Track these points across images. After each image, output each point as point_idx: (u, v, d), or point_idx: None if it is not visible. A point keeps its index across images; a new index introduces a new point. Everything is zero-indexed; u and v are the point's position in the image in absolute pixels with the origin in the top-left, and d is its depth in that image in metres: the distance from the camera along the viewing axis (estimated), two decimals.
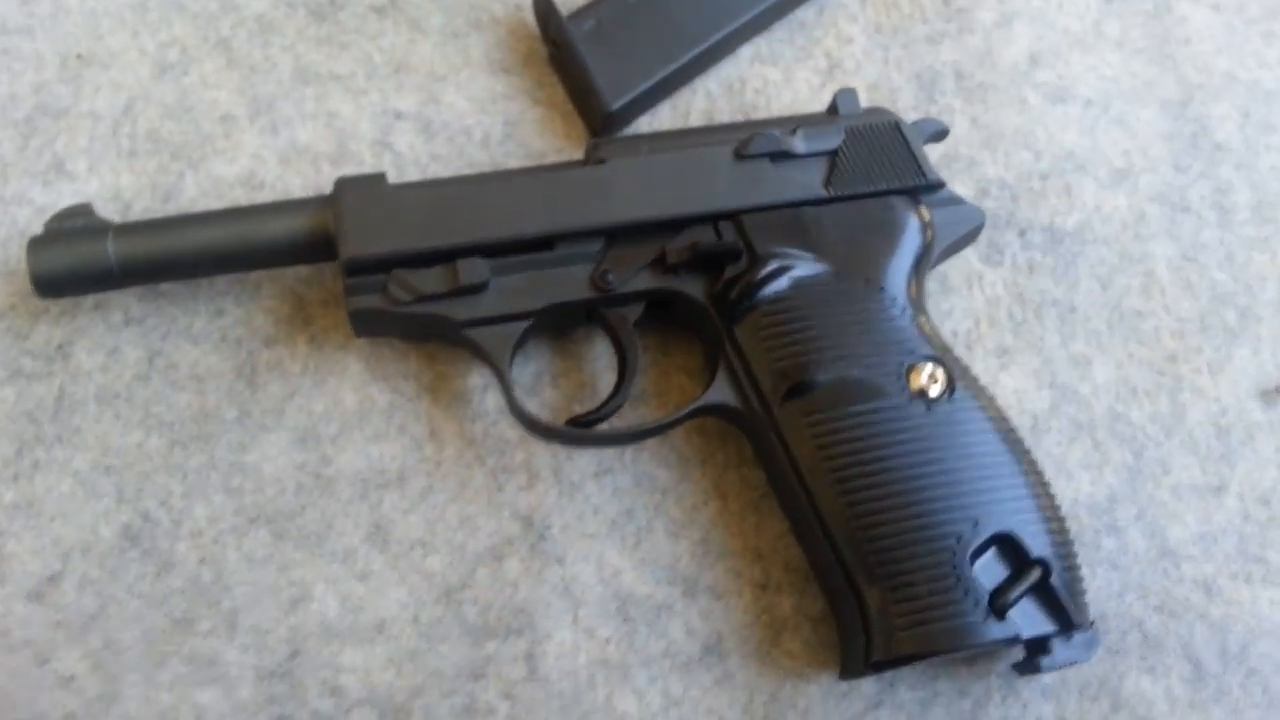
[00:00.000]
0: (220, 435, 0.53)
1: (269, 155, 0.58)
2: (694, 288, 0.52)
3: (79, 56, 0.60)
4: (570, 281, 0.52)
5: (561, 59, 0.60)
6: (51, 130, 0.58)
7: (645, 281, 0.52)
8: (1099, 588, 0.53)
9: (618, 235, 0.52)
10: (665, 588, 0.52)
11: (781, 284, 0.51)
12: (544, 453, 0.54)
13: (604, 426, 0.52)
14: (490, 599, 0.51)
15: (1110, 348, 0.58)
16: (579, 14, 0.59)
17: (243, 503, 0.52)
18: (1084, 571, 0.51)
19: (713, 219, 0.52)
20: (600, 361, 0.56)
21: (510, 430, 0.54)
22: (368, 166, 0.59)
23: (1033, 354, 0.58)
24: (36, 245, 0.51)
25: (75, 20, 0.60)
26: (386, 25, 0.62)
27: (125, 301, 0.55)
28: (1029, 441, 0.54)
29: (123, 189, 0.57)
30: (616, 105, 0.58)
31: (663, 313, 0.54)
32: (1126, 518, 0.55)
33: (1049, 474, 0.53)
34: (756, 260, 0.51)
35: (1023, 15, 0.65)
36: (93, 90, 0.59)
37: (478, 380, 0.55)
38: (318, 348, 0.55)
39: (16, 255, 0.55)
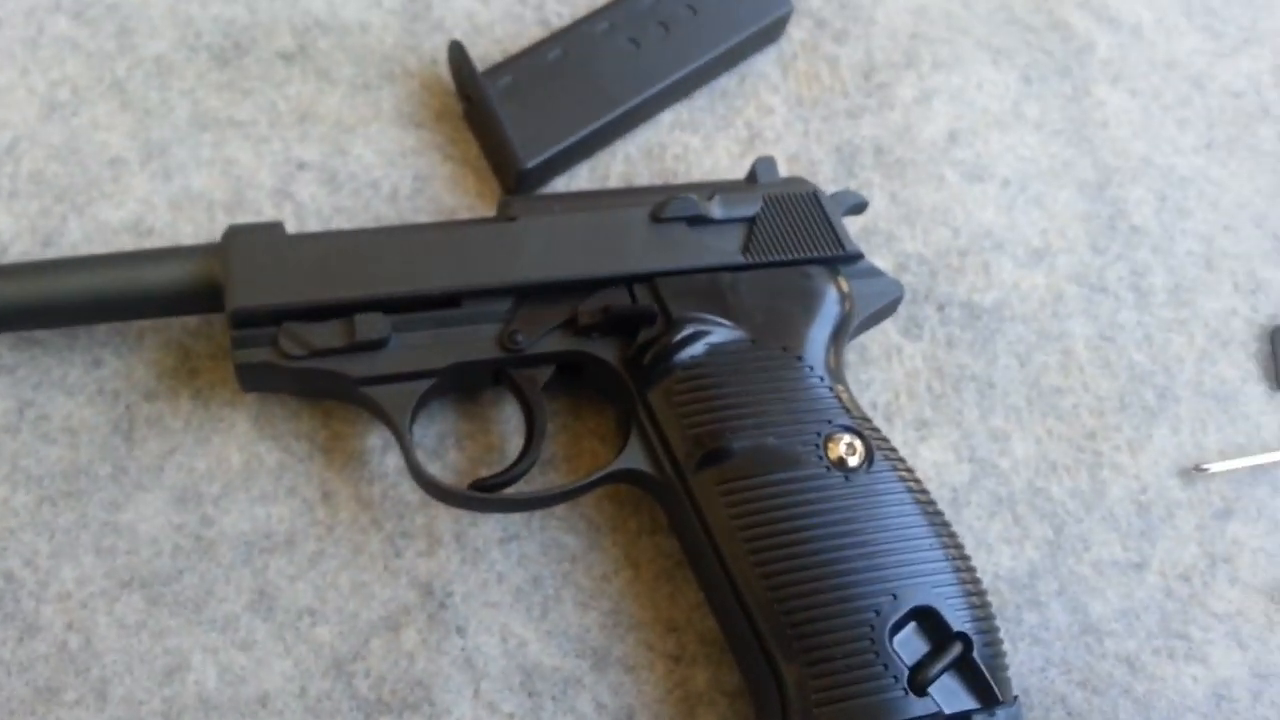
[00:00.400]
0: (93, 493, 0.60)
1: (159, 201, 0.68)
2: (606, 351, 0.62)
3: None
4: (477, 341, 0.61)
5: (476, 115, 0.72)
6: None
7: (556, 343, 0.62)
8: (1021, 662, 0.64)
9: (528, 294, 0.62)
10: (574, 660, 0.60)
11: (697, 349, 0.61)
12: (446, 517, 0.63)
13: (510, 491, 0.60)
14: (384, 671, 0.59)
15: (1029, 423, 0.71)
16: (495, 70, 0.71)
17: (115, 564, 0.59)
18: (1006, 646, 0.62)
19: (627, 281, 0.63)
20: (509, 425, 0.66)
21: (411, 493, 0.63)
22: (266, 216, 0.69)
23: (952, 427, 0.70)
24: None
25: None
26: (294, 73, 0.73)
27: None
28: (949, 514, 0.66)
29: (0, 231, 0.66)
30: (531, 164, 0.69)
31: (574, 376, 0.64)
32: (1048, 592, 0.66)
33: (969, 547, 0.64)
34: (672, 324, 0.61)
35: (942, 93, 0.80)
36: None
37: (376, 440, 0.64)
38: (203, 403, 0.63)
39: None
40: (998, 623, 0.59)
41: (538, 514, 0.64)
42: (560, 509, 0.64)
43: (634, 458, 0.61)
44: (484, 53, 0.75)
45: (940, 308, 0.73)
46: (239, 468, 0.62)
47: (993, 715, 0.56)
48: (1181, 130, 0.82)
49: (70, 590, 0.59)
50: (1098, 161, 0.80)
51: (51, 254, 0.66)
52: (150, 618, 0.58)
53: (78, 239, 0.66)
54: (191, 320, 0.65)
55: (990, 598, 0.60)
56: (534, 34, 0.76)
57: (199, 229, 0.68)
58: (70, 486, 0.61)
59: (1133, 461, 0.70)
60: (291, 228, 0.68)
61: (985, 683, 0.56)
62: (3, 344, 0.63)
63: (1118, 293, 0.75)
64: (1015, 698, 0.57)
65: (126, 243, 0.67)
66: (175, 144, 0.70)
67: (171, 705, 0.57)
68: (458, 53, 0.71)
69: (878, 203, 0.75)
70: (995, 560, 0.66)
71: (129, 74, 0.71)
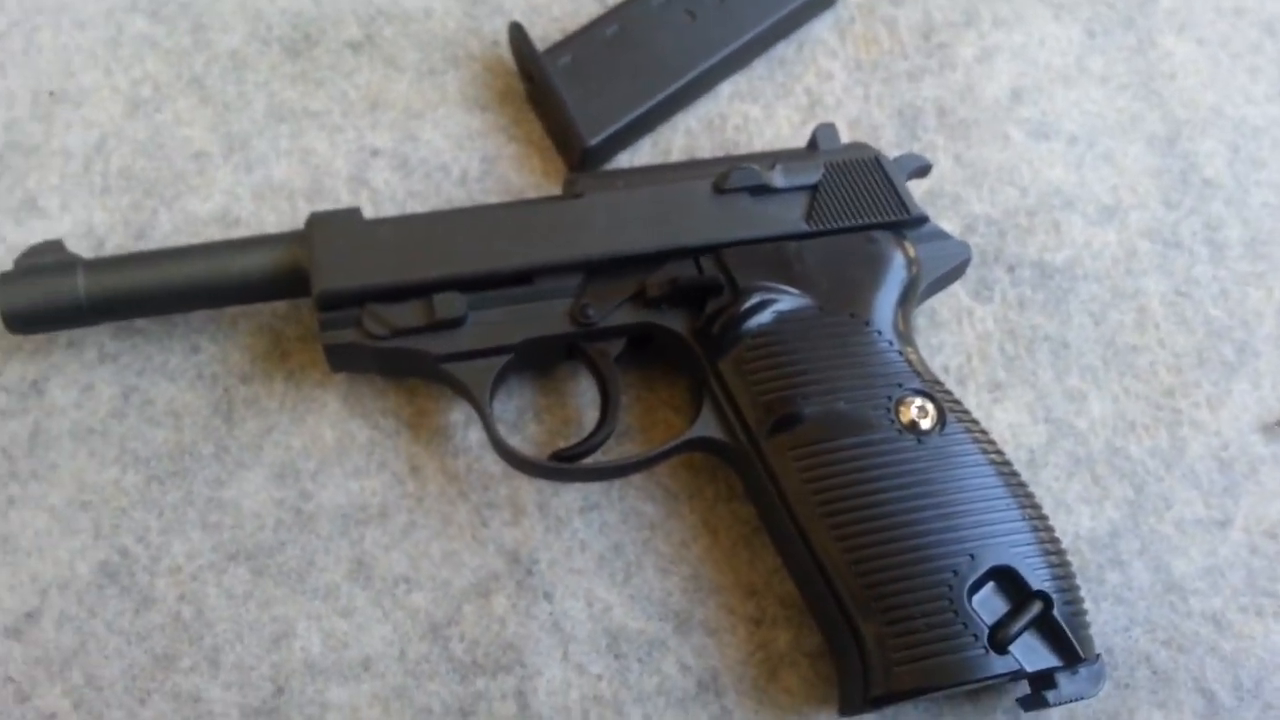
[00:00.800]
0: (197, 471, 0.65)
1: (243, 192, 0.72)
2: (676, 322, 0.64)
3: (51, 94, 0.73)
4: (549, 316, 0.64)
5: (539, 95, 0.74)
6: (23, 168, 0.71)
7: (626, 316, 0.64)
8: (1104, 622, 0.65)
9: (597, 269, 0.64)
10: (657, 623, 0.63)
11: (765, 317, 0.63)
12: (529, 488, 0.66)
13: (589, 461, 0.63)
14: (478, 635, 0.62)
15: (1105, 383, 0.72)
16: (555, 49, 0.74)
17: (221, 539, 0.63)
18: (1088, 606, 0.62)
19: (693, 253, 0.65)
20: (584, 398, 0.68)
21: (494, 465, 0.66)
22: (343, 203, 0.72)
23: (1026, 389, 0.71)
24: (5, 281, 0.62)
25: (48, 57, 0.74)
26: (362, 62, 0.76)
27: (99, 338, 0.67)
28: (1026, 476, 0.66)
29: (95, 226, 0.70)
30: (594, 141, 0.72)
31: (645, 348, 0.66)
32: (1130, 552, 0.67)
33: (1048, 508, 0.65)
34: (739, 294, 0.63)
35: (1004, 51, 0.81)
36: (64, 127, 0.72)
37: (459, 416, 0.67)
38: (295, 384, 0.67)
39: None
40: (1078, 582, 0.60)
41: (616, 483, 0.66)
42: (638, 478, 0.67)
43: (707, 426, 0.63)
44: (543, 33, 0.78)
45: (1010, 269, 0.74)
46: (332, 444, 0.66)
47: (1075, 673, 0.58)
48: (1253, 79, 0.81)
49: (181, 564, 0.63)
50: (1167, 114, 0.80)
51: (144, 246, 0.70)
52: (256, 588, 0.63)
53: (168, 231, 0.70)
54: (281, 306, 0.69)
55: (1071, 558, 0.61)
56: (591, 11, 0.78)
57: (281, 217, 0.71)
58: (176, 466, 0.65)
59: (1213, 418, 0.71)
60: (368, 213, 0.71)
61: (1067, 641, 0.57)
62: (105, 333, 0.68)
63: (1192, 248, 0.76)
64: (1098, 655, 0.59)
65: (215, 233, 0.71)
66: (254, 136, 0.73)
67: (279, 670, 0.61)
68: (518, 34, 0.73)
69: (942, 165, 0.76)
70: (1075, 521, 0.68)
71: (206, 69, 0.75)
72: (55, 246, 0.64)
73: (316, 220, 0.64)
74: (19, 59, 0.74)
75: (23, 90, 0.73)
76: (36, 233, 0.70)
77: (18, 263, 0.63)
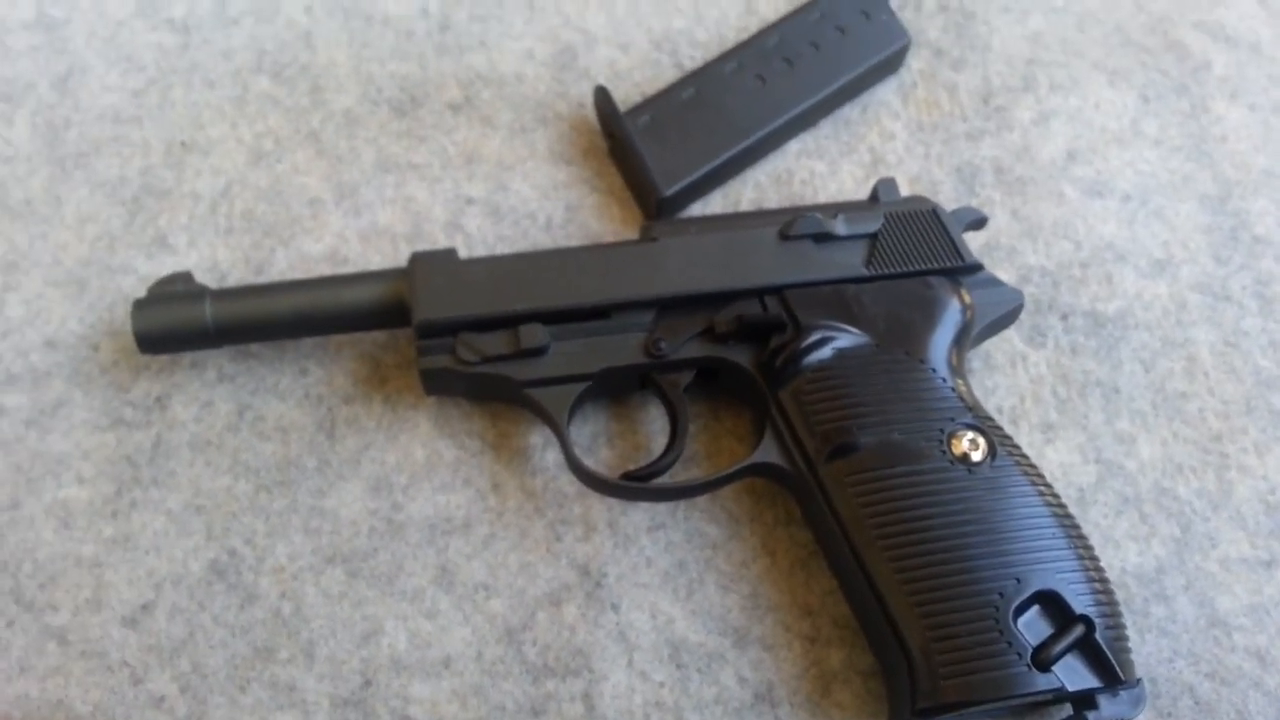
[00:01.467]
0: (301, 482, 0.71)
1: (351, 235, 0.79)
2: (741, 356, 0.69)
3: (183, 144, 0.82)
4: (625, 348, 0.69)
5: (619, 151, 0.81)
6: (156, 209, 0.80)
7: (695, 349, 0.69)
8: (1149, 653, 0.67)
9: (669, 306, 0.70)
10: (716, 637, 0.67)
11: (825, 353, 0.67)
12: (600, 507, 0.71)
13: (657, 482, 0.68)
14: (549, 640, 0.67)
15: (1155, 427, 0.75)
16: (635, 110, 0.80)
17: (320, 543, 0.69)
18: (1133, 637, 0.65)
19: (759, 293, 0.70)
20: (654, 425, 0.73)
21: (569, 485, 0.71)
22: (440, 245, 0.79)
23: (1077, 430, 0.74)
24: (140, 306, 0.70)
25: (180, 111, 0.83)
26: (461, 121, 0.84)
27: (218, 360, 0.74)
28: (1075, 513, 0.70)
29: (219, 261, 0.78)
30: (669, 192, 0.77)
31: (712, 379, 0.71)
32: (1175, 587, 0.69)
33: (1096, 544, 0.68)
34: (801, 331, 0.68)
35: (1060, 114, 0.85)
36: (194, 174, 0.81)
37: (538, 439, 0.73)
38: (391, 406, 0.74)
39: (121, 317, 0.76)
40: (1123, 612, 0.62)
41: (682, 505, 0.71)
42: (702, 501, 0.71)
43: (768, 452, 0.67)
44: (625, 95, 0.84)
45: (1064, 317, 0.78)
46: (422, 461, 0.72)
47: (1116, 695, 0.60)
48: None
49: (283, 565, 0.69)
50: (1218, 175, 0.83)
51: (263, 280, 0.77)
52: (350, 589, 0.68)
53: (284, 268, 0.78)
54: (381, 336, 0.76)
55: (1117, 591, 0.64)
56: (669, 76, 0.85)
57: (385, 257, 0.78)
58: (282, 477, 0.71)
59: (1260, 463, 0.73)
60: (462, 254, 0.78)
61: (1108, 663, 0.60)
62: (224, 356, 0.75)
63: (1241, 301, 0.78)
64: (1139, 679, 0.61)
65: (325, 270, 0.78)
66: (363, 185, 0.81)
67: (369, 665, 0.66)
68: (602, 96, 0.80)
69: (999, 219, 0.81)
70: (1122, 556, 0.70)
71: (322, 125, 0.83)
72: (185, 277, 0.72)
73: (418, 258, 0.71)
74: (155, 113, 0.83)
75: (157, 140, 0.82)
76: (166, 266, 0.78)
77: (151, 291, 0.71)
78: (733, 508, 0.71)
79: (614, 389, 0.73)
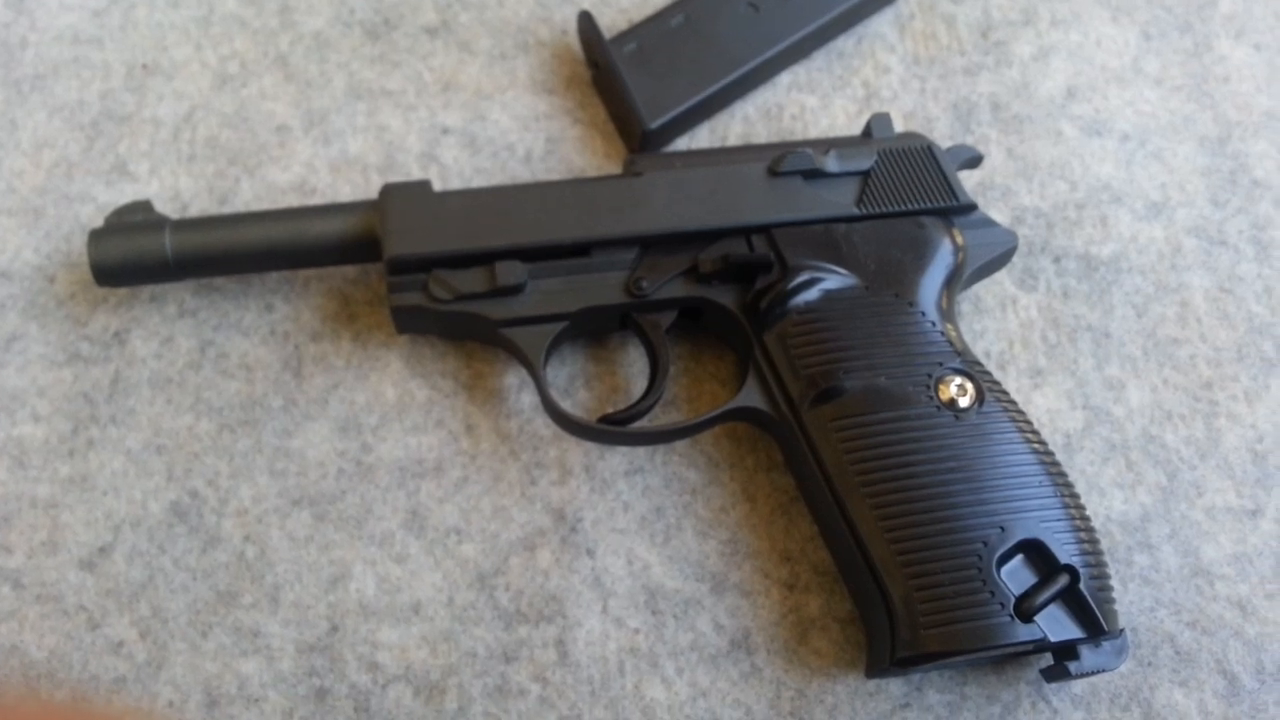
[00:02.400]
0: (266, 421, 0.68)
1: (321, 164, 0.76)
2: (725, 297, 0.67)
3: (144, 66, 0.78)
4: (605, 287, 0.66)
5: (603, 81, 0.77)
6: (115, 134, 0.76)
7: (678, 289, 0.67)
8: (1131, 602, 0.66)
9: (652, 244, 0.67)
10: (694, 583, 0.65)
11: (811, 294, 0.65)
12: (576, 450, 0.68)
13: (636, 425, 0.66)
14: (522, 586, 0.65)
15: (1145, 373, 0.72)
16: (621, 37, 0.76)
17: (286, 485, 0.67)
18: (1116, 586, 0.64)
19: (745, 232, 0.67)
20: (634, 367, 0.71)
21: (544, 428, 0.69)
22: (414, 177, 0.75)
23: (1066, 376, 0.72)
24: (97, 236, 0.66)
25: (142, 32, 0.79)
26: (437, 46, 0.80)
27: (180, 294, 0.71)
28: (1062, 459, 0.68)
29: (181, 191, 0.74)
30: (654, 125, 0.74)
31: (695, 322, 0.69)
32: (1159, 536, 0.68)
33: (1081, 491, 0.67)
34: (788, 272, 0.65)
35: (1060, 50, 0.82)
36: (156, 98, 0.77)
37: (513, 380, 0.70)
38: (361, 344, 0.71)
39: (78, 248, 0.72)
40: (1107, 561, 0.61)
41: (661, 449, 0.69)
42: (681, 446, 0.69)
43: (751, 396, 0.65)
44: (610, 22, 0.80)
45: (1056, 259, 0.75)
46: (393, 402, 0.69)
47: (1098, 646, 0.59)
48: None
49: (247, 507, 0.66)
50: (1219, 116, 0.80)
51: (227, 211, 0.74)
52: (317, 532, 0.66)
53: (249, 198, 0.74)
54: (351, 270, 0.72)
55: (1101, 539, 0.62)
56: (657, 3, 0.81)
57: (356, 189, 0.75)
58: (246, 416, 0.69)
59: (1249, 411, 0.71)
60: (437, 187, 0.74)
61: (1091, 614, 0.59)
62: (186, 290, 0.72)
63: (1238, 246, 0.76)
64: (1121, 630, 0.60)
65: (292, 202, 0.74)
66: (333, 112, 0.77)
67: (335, 610, 0.64)
68: (586, 22, 0.76)
69: (994, 158, 0.78)
70: (1107, 504, 0.68)
71: (291, 49, 0.79)
72: (144, 206, 0.68)
73: (389, 190, 0.67)
74: (116, 34, 0.79)
75: (118, 63, 0.78)
76: (126, 194, 0.74)
77: (109, 220, 0.67)
78: (713, 452, 0.69)
79: (593, 329, 0.70)
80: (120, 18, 0.79)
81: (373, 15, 0.80)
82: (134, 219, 0.67)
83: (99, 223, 0.71)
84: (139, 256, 0.66)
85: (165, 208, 0.74)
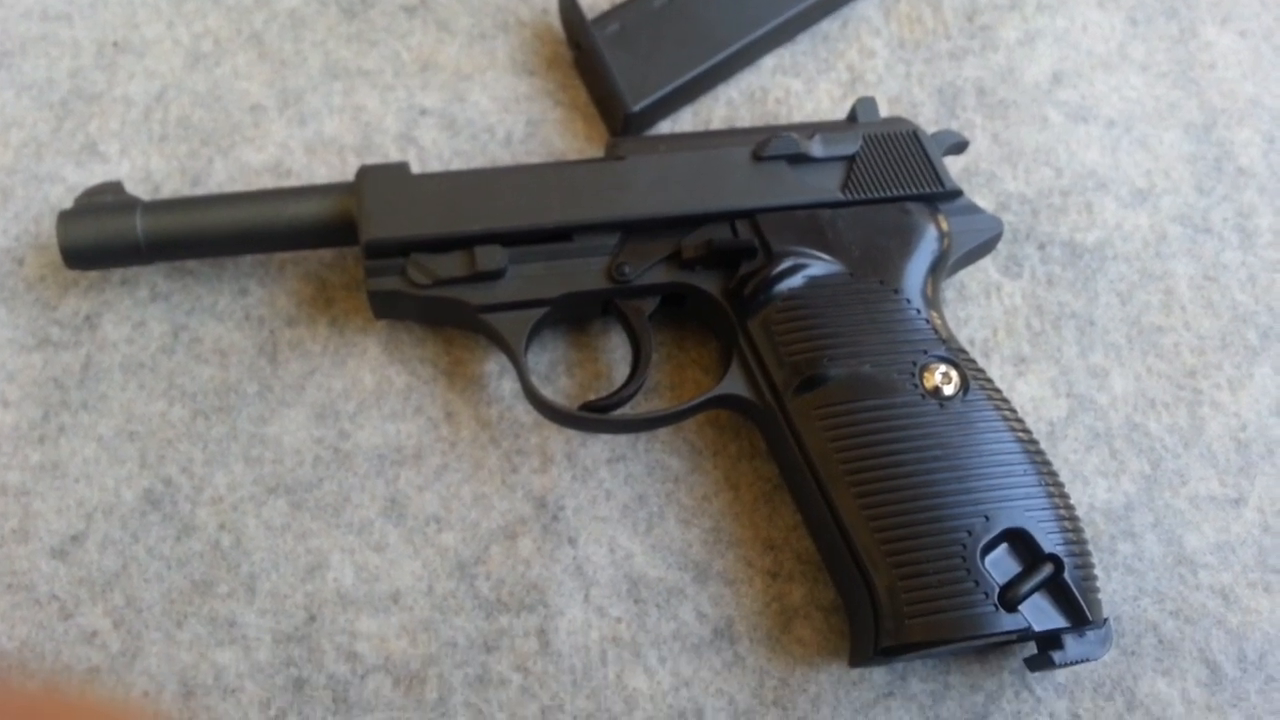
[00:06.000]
0: (241, 408, 0.67)
1: (296, 145, 0.74)
2: (709, 283, 0.66)
3: (115, 44, 0.76)
4: (587, 272, 0.65)
5: (585, 62, 0.76)
6: (85, 113, 0.74)
7: (661, 275, 0.66)
8: (1114, 591, 0.66)
9: (635, 229, 0.66)
10: (676, 572, 0.65)
11: (796, 281, 0.65)
12: (558, 438, 0.68)
13: (618, 413, 0.65)
14: (503, 575, 0.64)
15: (1129, 361, 0.72)
16: (604, 18, 0.75)
17: (262, 472, 0.66)
18: (1099, 575, 0.64)
19: (729, 217, 0.66)
20: (616, 354, 0.70)
21: (525, 415, 0.68)
22: (392, 159, 0.74)
23: (1050, 363, 0.72)
24: (67, 218, 0.65)
25: (113, 9, 0.77)
26: (415, 25, 0.78)
27: (152, 278, 0.70)
28: (1045, 447, 0.68)
29: (153, 171, 0.73)
30: (637, 107, 0.73)
31: (678, 308, 0.68)
32: (1143, 525, 0.68)
33: (1065, 479, 0.67)
34: (772, 258, 0.65)
35: (1046, 35, 0.81)
36: (127, 77, 0.75)
37: (493, 366, 0.69)
38: (338, 329, 0.69)
39: (47, 230, 0.70)
40: (1091, 550, 0.61)
41: (643, 437, 0.68)
42: (664, 433, 0.68)
43: (735, 384, 0.65)
44: (593, 2, 0.79)
45: (1041, 246, 0.75)
46: (371, 388, 0.68)
47: (1082, 635, 0.59)
48: None
49: (222, 495, 0.65)
50: (1204, 103, 0.80)
51: (199, 192, 0.72)
52: (294, 521, 0.65)
53: (223, 179, 0.73)
54: (327, 254, 0.71)
55: (1085, 527, 0.62)
56: None
57: (332, 170, 0.74)
58: (221, 402, 0.67)
59: (1233, 399, 0.71)
60: (415, 169, 0.73)
61: (1075, 603, 0.59)
62: (158, 273, 0.70)
63: (1222, 233, 0.76)
64: (1105, 620, 0.60)
65: (267, 183, 0.73)
66: (309, 92, 0.76)
67: (313, 599, 0.63)
68: (568, 2, 0.75)
69: (979, 143, 0.77)
70: (1091, 492, 0.68)
71: (265, 26, 0.77)
72: (115, 187, 0.67)
73: (366, 172, 0.66)
74: (85, 10, 0.77)
75: (88, 40, 0.76)
76: (96, 175, 0.72)
77: (78, 201, 0.66)
78: (696, 440, 0.68)
79: (575, 315, 0.69)
80: None
81: None
82: (104, 200, 0.66)
83: (69, 204, 0.69)
84: (110, 239, 0.65)
85: (137, 189, 0.72)
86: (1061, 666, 0.60)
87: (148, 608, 0.63)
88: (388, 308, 0.67)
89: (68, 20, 0.77)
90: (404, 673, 0.62)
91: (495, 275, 0.64)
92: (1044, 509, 0.60)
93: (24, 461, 0.66)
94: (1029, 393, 0.71)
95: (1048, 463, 0.62)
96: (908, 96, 0.79)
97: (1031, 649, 0.62)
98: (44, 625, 0.62)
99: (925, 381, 0.63)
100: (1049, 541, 0.59)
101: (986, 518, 0.59)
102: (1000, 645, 0.63)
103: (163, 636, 0.62)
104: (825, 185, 0.68)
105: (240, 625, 0.63)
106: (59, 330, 0.69)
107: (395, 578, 0.64)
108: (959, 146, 0.72)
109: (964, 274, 0.73)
